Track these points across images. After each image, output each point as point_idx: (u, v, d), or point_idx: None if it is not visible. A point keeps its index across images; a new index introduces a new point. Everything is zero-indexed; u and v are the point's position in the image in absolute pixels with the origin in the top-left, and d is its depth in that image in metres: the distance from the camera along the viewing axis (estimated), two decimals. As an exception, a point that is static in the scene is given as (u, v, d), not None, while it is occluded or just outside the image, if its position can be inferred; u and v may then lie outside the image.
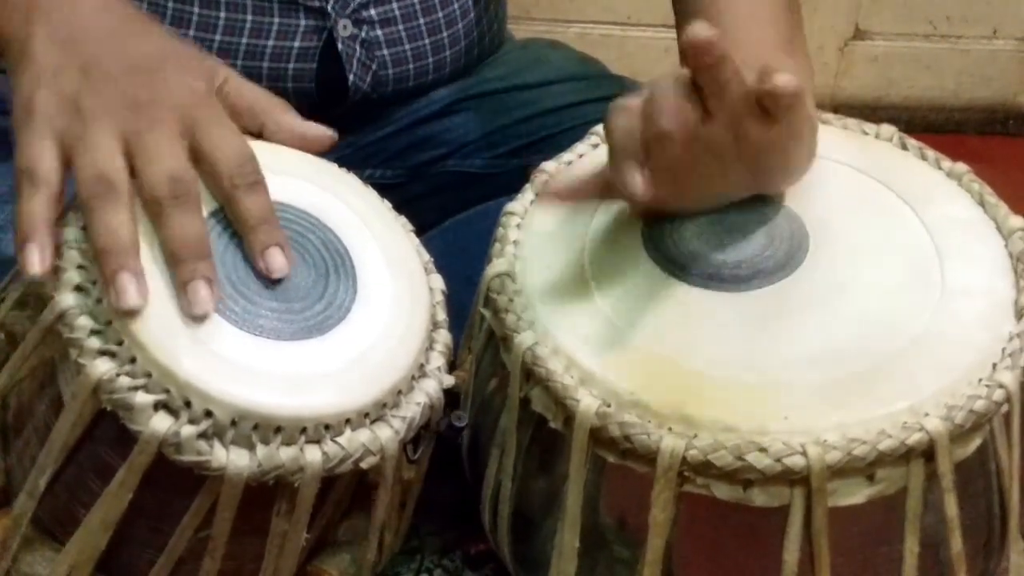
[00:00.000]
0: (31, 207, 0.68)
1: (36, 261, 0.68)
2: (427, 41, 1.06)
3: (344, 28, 1.01)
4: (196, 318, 0.68)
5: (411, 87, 1.07)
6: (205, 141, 0.71)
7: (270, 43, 0.99)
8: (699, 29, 0.67)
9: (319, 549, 0.78)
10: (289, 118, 0.78)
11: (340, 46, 1.01)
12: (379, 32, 1.03)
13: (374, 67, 1.03)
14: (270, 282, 0.72)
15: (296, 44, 1.00)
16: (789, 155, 0.77)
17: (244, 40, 0.99)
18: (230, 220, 0.72)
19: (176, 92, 0.72)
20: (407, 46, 1.05)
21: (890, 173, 0.83)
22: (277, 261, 0.71)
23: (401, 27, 1.04)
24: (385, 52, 1.03)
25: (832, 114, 0.88)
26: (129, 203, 0.68)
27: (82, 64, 0.72)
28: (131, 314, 0.67)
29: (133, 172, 0.69)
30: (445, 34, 1.07)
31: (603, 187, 0.80)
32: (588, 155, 0.85)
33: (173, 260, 0.68)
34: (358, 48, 1.02)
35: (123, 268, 0.67)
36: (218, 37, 0.98)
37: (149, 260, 0.69)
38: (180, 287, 0.68)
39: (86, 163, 0.69)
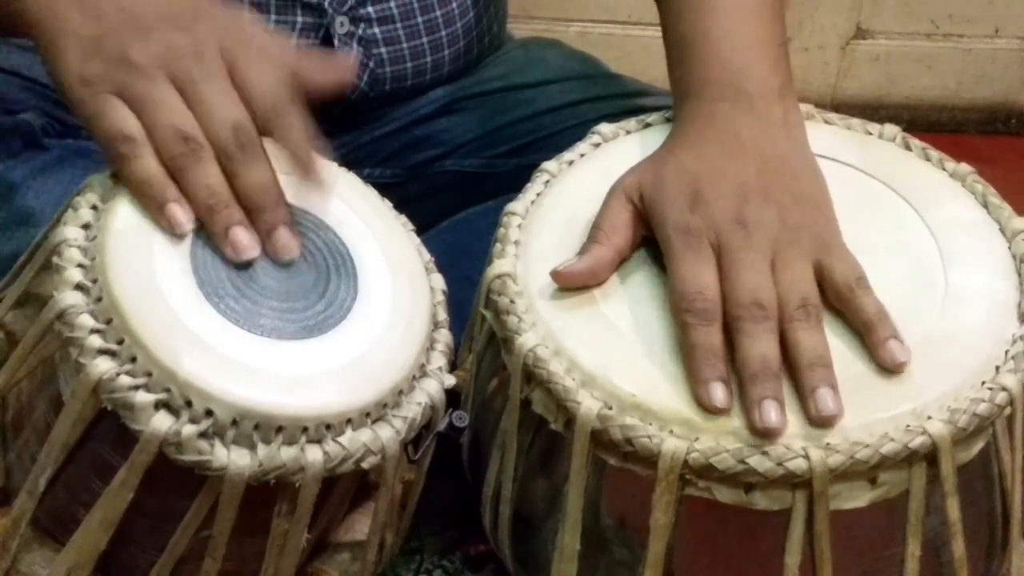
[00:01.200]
0: (148, 170, 0.70)
1: (183, 219, 0.70)
2: (425, 40, 1.05)
3: (341, 25, 1.01)
4: (285, 263, 0.72)
5: (409, 86, 1.07)
6: (245, 80, 0.72)
7: None
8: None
9: (320, 549, 0.78)
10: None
11: (336, 43, 1.01)
12: (376, 30, 1.02)
13: (371, 65, 1.03)
14: (271, 282, 0.71)
15: (293, 41, 0.99)
16: None
17: None
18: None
19: (215, 31, 0.73)
20: (404, 44, 1.04)
21: (893, 174, 0.83)
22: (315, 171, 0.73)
23: (399, 25, 1.04)
24: (383, 50, 1.03)
25: (835, 114, 0.88)
26: (213, 155, 0.70)
27: (119, 24, 0.72)
28: (248, 265, 0.70)
29: None
30: (443, 33, 1.06)
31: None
32: (588, 155, 0.85)
33: (254, 209, 0.71)
34: (355, 46, 1.02)
35: (233, 222, 0.70)
36: None
37: (150, 254, 0.69)
38: (264, 235, 0.71)
39: (162, 122, 0.70)
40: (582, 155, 0.85)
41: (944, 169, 0.83)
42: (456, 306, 0.80)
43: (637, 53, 1.77)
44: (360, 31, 1.02)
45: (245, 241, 0.70)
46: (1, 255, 0.85)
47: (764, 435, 0.68)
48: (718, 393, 0.69)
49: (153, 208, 0.70)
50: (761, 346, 0.70)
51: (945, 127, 1.98)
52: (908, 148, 0.85)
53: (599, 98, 1.09)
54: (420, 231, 0.83)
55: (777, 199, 0.75)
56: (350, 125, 1.07)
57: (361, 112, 1.06)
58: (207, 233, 0.71)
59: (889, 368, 0.71)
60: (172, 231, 0.70)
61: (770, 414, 0.68)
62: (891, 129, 0.86)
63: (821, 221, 0.75)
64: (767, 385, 0.69)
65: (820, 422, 0.68)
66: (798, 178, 0.77)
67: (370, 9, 1.02)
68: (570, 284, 0.75)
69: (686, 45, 0.84)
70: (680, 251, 0.73)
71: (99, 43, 0.72)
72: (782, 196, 0.75)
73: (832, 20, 1.88)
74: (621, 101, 1.08)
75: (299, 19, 0.99)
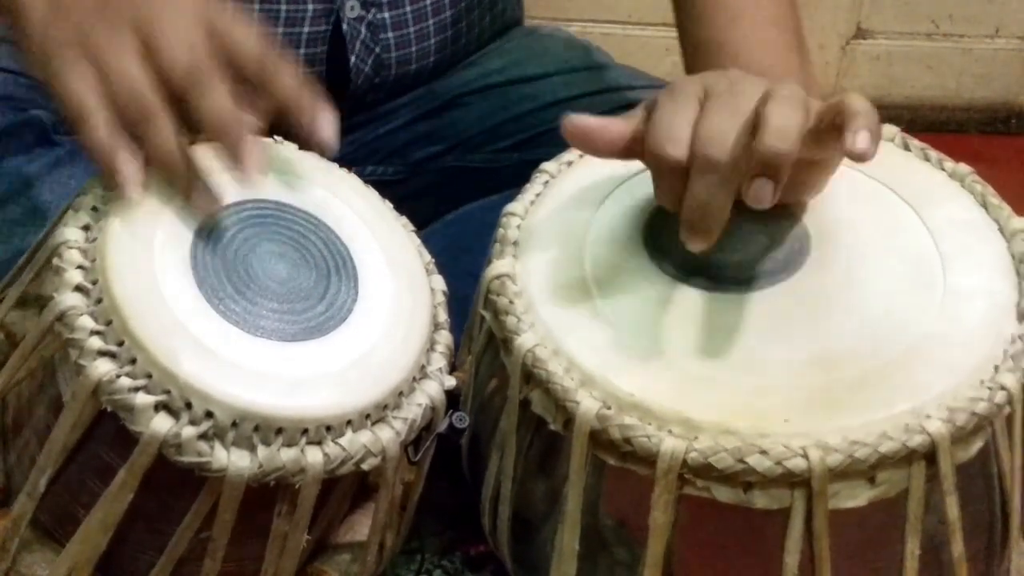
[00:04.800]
0: (100, 134, 0.68)
1: (133, 172, 0.68)
2: (431, 22, 1.06)
3: (351, 9, 1.01)
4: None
5: (413, 71, 1.07)
6: (222, 27, 0.71)
7: (279, 30, 0.99)
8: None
9: (320, 550, 0.78)
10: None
11: (345, 27, 1.00)
12: (386, 14, 1.03)
13: (377, 50, 1.03)
14: (271, 283, 0.71)
15: (306, 30, 1.00)
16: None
17: None
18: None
19: None
20: (411, 28, 1.05)
21: (892, 174, 0.82)
22: (327, 128, 0.72)
23: (408, 9, 1.04)
24: (390, 35, 1.03)
25: (833, 114, 0.88)
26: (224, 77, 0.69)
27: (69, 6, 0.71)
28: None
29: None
30: (448, 13, 1.06)
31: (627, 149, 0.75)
32: (587, 155, 0.85)
33: (221, 132, 0.69)
34: (363, 30, 1.02)
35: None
36: None
37: (150, 256, 0.69)
38: (232, 148, 0.69)
39: (167, 55, 0.68)
40: (581, 155, 0.85)
41: (943, 169, 0.83)
42: (458, 302, 0.81)
43: (637, 53, 1.77)
44: (370, 16, 1.02)
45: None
46: (18, 250, 0.85)
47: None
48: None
49: (106, 171, 0.69)
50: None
51: (945, 127, 1.98)
52: (907, 148, 0.85)
53: (601, 91, 1.10)
54: (422, 227, 0.83)
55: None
56: (354, 124, 1.07)
57: (369, 104, 1.06)
58: (207, 234, 0.71)
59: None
60: (125, 188, 0.68)
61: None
62: (890, 129, 0.86)
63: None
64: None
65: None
66: None
67: None
68: (578, 135, 0.74)
69: (704, 50, 0.84)
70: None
71: (56, 12, 0.71)
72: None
73: (832, 20, 1.89)
74: (624, 94, 1.08)
75: (310, 6, 0.99)
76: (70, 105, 0.69)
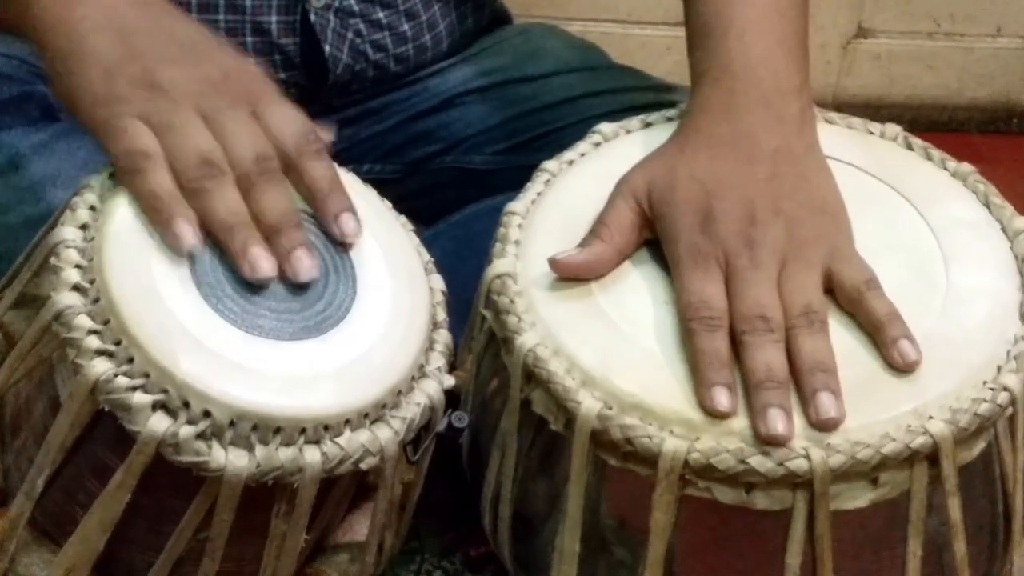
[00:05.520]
0: (159, 184, 0.70)
1: (189, 235, 0.70)
2: (401, 7, 1.05)
3: None
4: (302, 286, 0.71)
5: (393, 56, 1.06)
6: (269, 117, 0.73)
7: (247, 19, 0.99)
8: None
9: (319, 550, 0.78)
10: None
11: (313, 17, 1.00)
12: (351, 0, 1.02)
13: (350, 36, 1.02)
14: (269, 282, 0.71)
15: (273, 19, 0.99)
16: None
17: (222, 16, 0.98)
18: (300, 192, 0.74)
19: (239, 71, 0.75)
20: (381, 14, 1.04)
21: (895, 173, 0.82)
22: (350, 225, 0.74)
23: None
24: (358, 20, 1.03)
25: (837, 113, 0.88)
26: (234, 179, 0.71)
27: (142, 51, 0.73)
28: (266, 284, 0.70)
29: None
30: (418, 0, 1.06)
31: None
32: (589, 154, 0.85)
33: (272, 232, 0.71)
34: (332, 17, 1.01)
35: (252, 241, 0.70)
36: (194, 16, 0.97)
37: (148, 255, 0.69)
38: (284, 257, 0.71)
39: (185, 146, 0.70)
40: (582, 154, 0.85)
41: (946, 169, 0.83)
42: (464, 303, 0.80)
43: (636, 52, 1.77)
44: (336, 2, 1.01)
45: (264, 259, 0.70)
46: (27, 216, 0.85)
47: (769, 443, 0.67)
48: (722, 398, 0.69)
49: (160, 223, 0.70)
50: (766, 355, 0.70)
51: (946, 127, 1.97)
52: (910, 148, 0.85)
53: (602, 92, 1.09)
54: (420, 228, 0.83)
55: (787, 210, 0.74)
56: (351, 121, 1.07)
57: (356, 95, 1.05)
58: (211, 240, 0.71)
59: (900, 368, 0.70)
60: (176, 248, 0.69)
61: (776, 422, 0.68)
62: (892, 129, 0.86)
63: (831, 227, 0.75)
64: (772, 393, 0.68)
65: (821, 426, 0.68)
66: (810, 181, 0.77)
67: None
68: (565, 274, 0.75)
69: (708, 31, 0.83)
70: (688, 268, 0.74)
71: (122, 65, 0.72)
72: (793, 206, 0.75)
73: (833, 19, 1.88)
74: (623, 96, 1.08)
75: None
76: (139, 148, 0.70)
